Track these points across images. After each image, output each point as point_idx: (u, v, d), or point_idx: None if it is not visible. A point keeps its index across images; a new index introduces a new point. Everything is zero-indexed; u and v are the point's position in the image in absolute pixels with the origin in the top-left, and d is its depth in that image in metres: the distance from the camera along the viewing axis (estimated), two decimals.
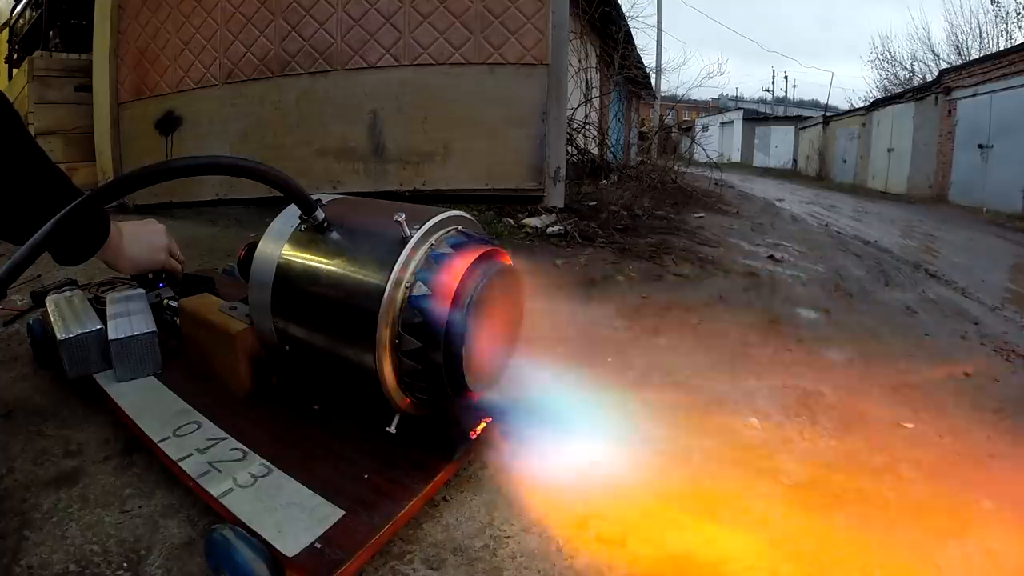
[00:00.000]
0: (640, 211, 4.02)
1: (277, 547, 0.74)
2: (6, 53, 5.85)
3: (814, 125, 21.03)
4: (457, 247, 0.92)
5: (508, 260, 0.98)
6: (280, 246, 1.02)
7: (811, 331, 1.97)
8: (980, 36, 17.46)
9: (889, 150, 13.97)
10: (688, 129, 16.53)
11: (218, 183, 3.57)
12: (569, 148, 4.56)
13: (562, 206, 3.45)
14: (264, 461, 0.91)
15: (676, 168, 6.33)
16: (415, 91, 3.42)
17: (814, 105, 35.24)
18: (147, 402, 1.06)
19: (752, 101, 39.02)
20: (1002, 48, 12.50)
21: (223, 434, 0.97)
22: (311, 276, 0.97)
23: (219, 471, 0.88)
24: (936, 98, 11.83)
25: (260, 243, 1.05)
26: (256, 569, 0.71)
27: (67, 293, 1.34)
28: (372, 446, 0.95)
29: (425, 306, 0.87)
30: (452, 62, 3.39)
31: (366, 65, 3.45)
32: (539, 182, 3.39)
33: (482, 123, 3.37)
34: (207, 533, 0.76)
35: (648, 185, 5.18)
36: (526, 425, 1.00)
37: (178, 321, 1.25)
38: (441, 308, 0.87)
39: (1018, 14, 16.25)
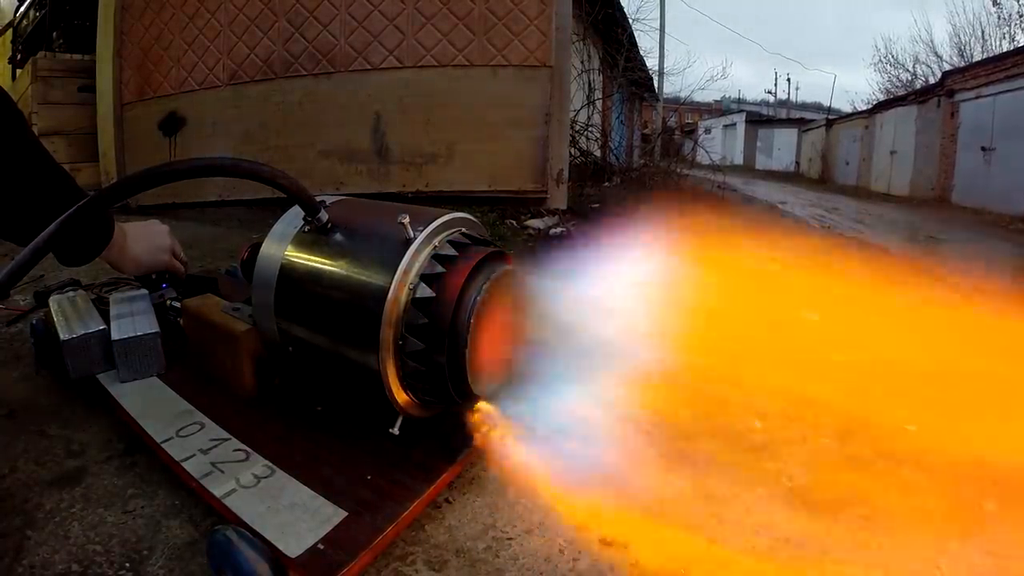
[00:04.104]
0: (643, 213, 4.02)
1: (280, 548, 0.74)
2: (10, 53, 5.86)
3: (817, 127, 21.02)
4: (460, 249, 0.93)
5: (511, 262, 0.98)
6: (283, 247, 1.02)
7: (812, 332, 1.96)
8: (983, 38, 17.44)
9: (892, 152, 13.96)
10: (691, 132, 16.53)
11: (221, 184, 3.58)
12: (572, 150, 4.56)
13: (565, 208, 3.45)
14: (267, 462, 0.91)
15: (679, 171, 6.32)
16: (418, 93, 3.43)
17: (817, 107, 35.24)
18: (150, 403, 1.06)
19: (755, 103, 39.05)
20: (1005, 50, 12.48)
21: (226, 435, 0.97)
22: (314, 277, 0.97)
23: (222, 472, 0.88)
24: (939, 100, 11.81)
25: (263, 244, 1.05)
26: (258, 570, 0.71)
27: (70, 293, 1.34)
28: (375, 447, 0.95)
29: (429, 308, 0.87)
30: (455, 64, 3.40)
31: (369, 67, 3.46)
32: (542, 184, 3.40)
33: (485, 125, 3.38)
34: (209, 533, 0.76)
35: (651, 187, 5.18)
36: (529, 427, 0.99)
37: (181, 322, 1.25)
38: (445, 310, 0.87)
39: (1020, 16, 16.23)
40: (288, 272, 1.00)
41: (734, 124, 28.45)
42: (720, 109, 34.91)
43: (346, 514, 0.81)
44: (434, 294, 0.88)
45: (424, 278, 0.88)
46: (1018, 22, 16.34)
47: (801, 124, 24.27)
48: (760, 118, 29.16)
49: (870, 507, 0.96)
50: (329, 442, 0.97)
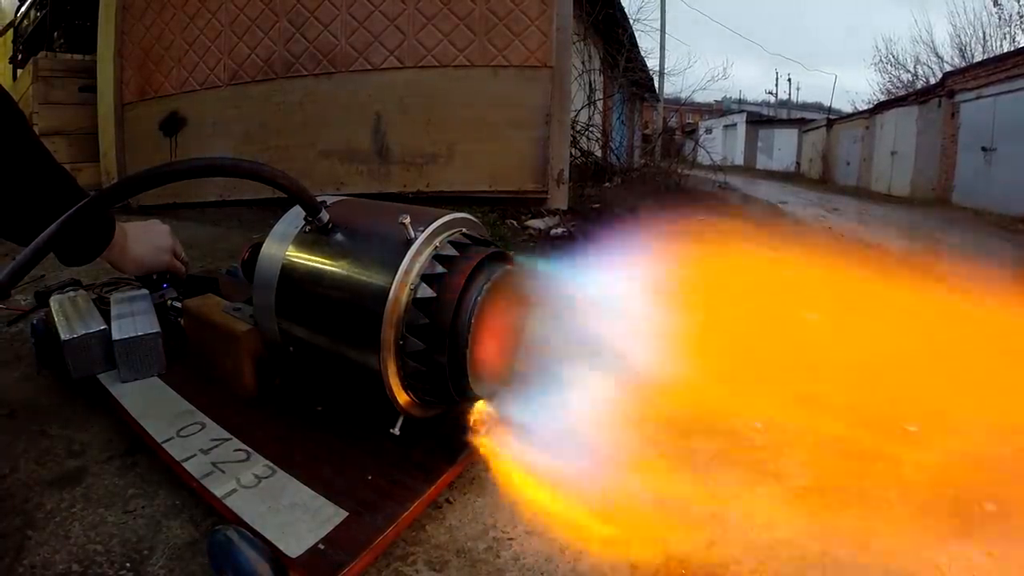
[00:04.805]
0: (644, 214, 4.02)
1: (280, 548, 0.74)
2: (11, 53, 5.87)
3: (817, 128, 20.99)
4: (461, 249, 0.93)
5: (512, 263, 0.98)
6: (284, 247, 1.02)
7: (812, 332, 1.96)
8: (984, 39, 17.41)
9: (892, 153, 13.94)
10: (691, 132, 16.53)
11: (222, 184, 3.58)
12: (572, 150, 4.56)
13: (565, 208, 3.45)
14: (268, 462, 0.91)
15: (679, 171, 6.33)
16: (419, 93, 3.43)
17: (817, 108, 35.20)
18: (151, 403, 1.06)
19: (755, 104, 39.02)
20: (1006, 51, 12.47)
21: (227, 435, 0.97)
22: (315, 277, 0.98)
23: (223, 472, 0.88)
24: (939, 101, 11.80)
25: (264, 244, 1.05)
26: (259, 570, 0.71)
27: (71, 293, 1.34)
28: (376, 448, 0.95)
29: (429, 308, 0.87)
30: (456, 64, 3.39)
31: (370, 67, 3.46)
32: (542, 184, 3.40)
33: (485, 125, 3.37)
34: (210, 533, 0.76)
35: (652, 188, 5.18)
36: (530, 426, 0.99)
37: (182, 322, 1.25)
38: (445, 310, 0.87)
39: (1021, 17, 16.21)
40: (289, 272, 1.00)
41: (735, 124, 28.41)
42: (721, 109, 34.90)
43: (347, 514, 0.81)
44: (435, 294, 0.88)
45: (425, 278, 0.88)
46: (1019, 23, 16.33)
47: (802, 124, 24.23)
48: (761, 118, 29.13)
49: (870, 507, 0.96)
50: (330, 442, 0.97)
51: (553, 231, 3.13)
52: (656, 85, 13.62)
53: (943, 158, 11.46)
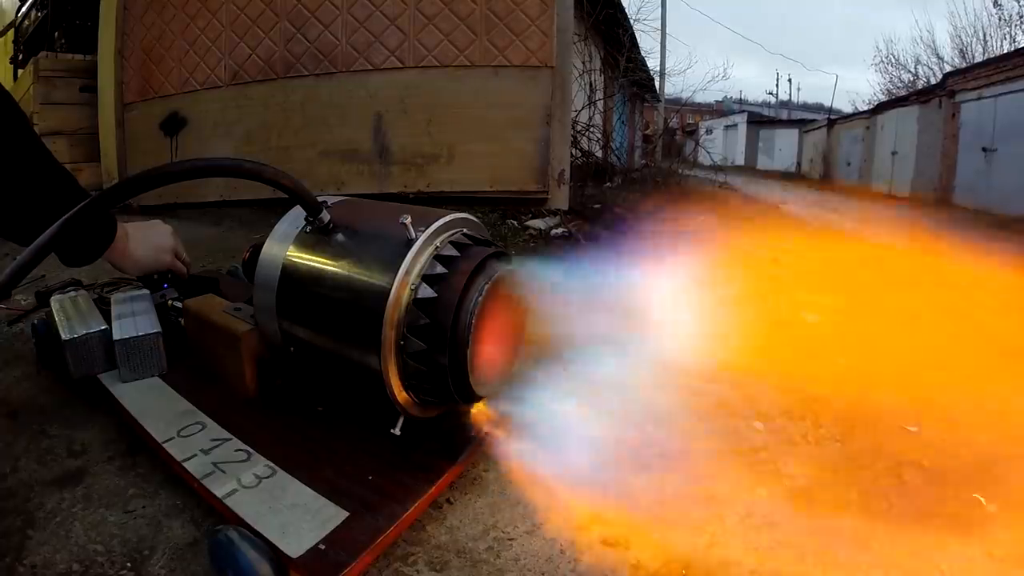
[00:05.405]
0: (645, 214, 4.02)
1: (281, 548, 0.74)
2: (12, 54, 5.87)
3: (818, 128, 20.98)
4: (462, 249, 0.93)
5: (513, 263, 0.98)
6: (285, 247, 1.02)
7: (813, 332, 1.96)
8: (984, 39, 17.40)
9: (893, 153, 13.93)
10: (692, 132, 16.52)
11: (222, 184, 3.57)
12: (573, 151, 4.56)
13: (566, 208, 3.45)
14: (268, 462, 0.91)
15: (680, 171, 6.32)
16: (419, 93, 3.43)
17: (818, 108, 35.21)
18: (151, 403, 1.07)
19: (756, 104, 39.05)
20: (1006, 51, 12.45)
21: (227, 435, 0.98)
22: (316, 277, 0.98)
23: (223, 472, 0.89)
24: (940, 101, 11.78)
25: (265, 244, 1.05)
26: (260, 570, 0.71)
27: (71, 293, 1.34)
28: (376, 448, 0.95)
29: (430, 308, 0.88)
30: (456, 64, 3.39)
31: (370, 67, 3.46)
32: (543, 184, 3.39)
33: (486, 125, 3.37)
34: (210, 534, 0.76)
35: (652, 188, 5.18)
36: (530, 427, 1.00)
37: (183, 322, 1.25)
38: (446, 310, 0.87)
39: (1021, 17, 16.20)
40: (290, 272, 1.00)
41: (735, 125, 28.43)
42: (721, 110, 34.91)
43: (347, 514, 0.81)
44: (435, 295, 0.88)
45: (426, 279, 0.89)
46: (1019, 23, 16.31)
47: (802, 125, 24.23)
48: (762, 119, 29.17)
49: (870, 507, 0.96)
50: (330, 442, 0.97)
51: (554, 231, 3.12)
52: (657, 85, 13.62)
53: (944, 158, 11.44)
